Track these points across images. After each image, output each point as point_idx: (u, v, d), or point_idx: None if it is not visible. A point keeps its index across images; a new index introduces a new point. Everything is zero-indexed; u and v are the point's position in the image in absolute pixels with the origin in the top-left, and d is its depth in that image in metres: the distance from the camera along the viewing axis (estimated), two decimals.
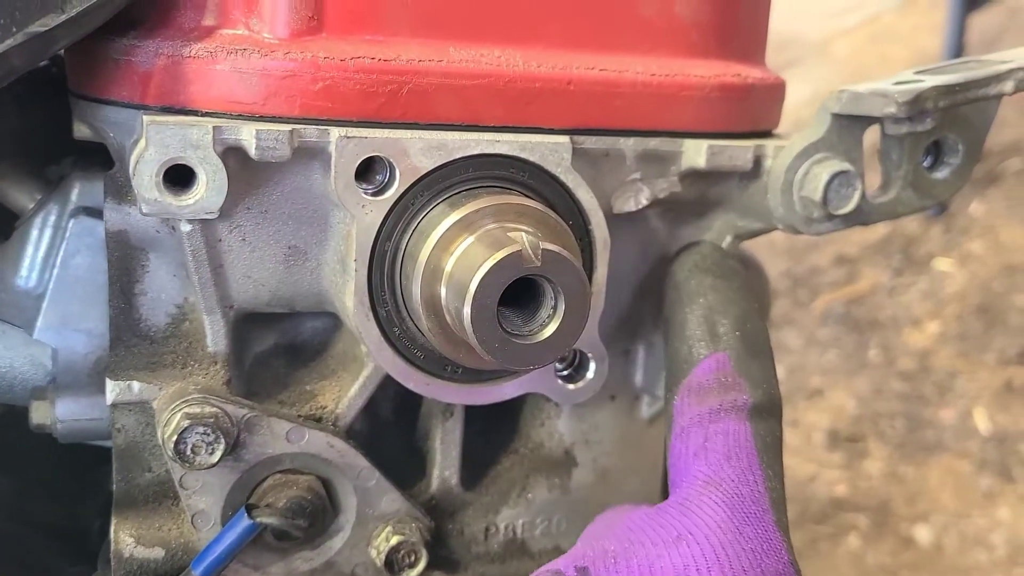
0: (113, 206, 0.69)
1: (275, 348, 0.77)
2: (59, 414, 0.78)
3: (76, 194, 0.80)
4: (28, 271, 0.80)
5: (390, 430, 0.80)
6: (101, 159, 0.74)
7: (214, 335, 0.70)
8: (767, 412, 0.64)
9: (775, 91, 0.77)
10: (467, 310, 0.59)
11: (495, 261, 0.58)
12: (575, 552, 0.60)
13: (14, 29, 0.58)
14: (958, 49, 3.94)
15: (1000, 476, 2.86)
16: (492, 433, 0.82)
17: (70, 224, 0.78)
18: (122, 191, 0.69)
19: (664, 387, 0.69)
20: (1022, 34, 4.83)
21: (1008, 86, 0.67)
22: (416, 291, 0.63)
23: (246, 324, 0.73)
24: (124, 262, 0.71)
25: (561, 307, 0.60)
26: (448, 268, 0.61)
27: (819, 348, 3.61)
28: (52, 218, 0.80)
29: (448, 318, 0.62)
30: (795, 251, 4.21)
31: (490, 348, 0.59)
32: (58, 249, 0.78)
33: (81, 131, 0.72)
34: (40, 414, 0.78)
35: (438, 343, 0.64)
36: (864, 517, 2.82)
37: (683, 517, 0.60)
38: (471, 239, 0.61)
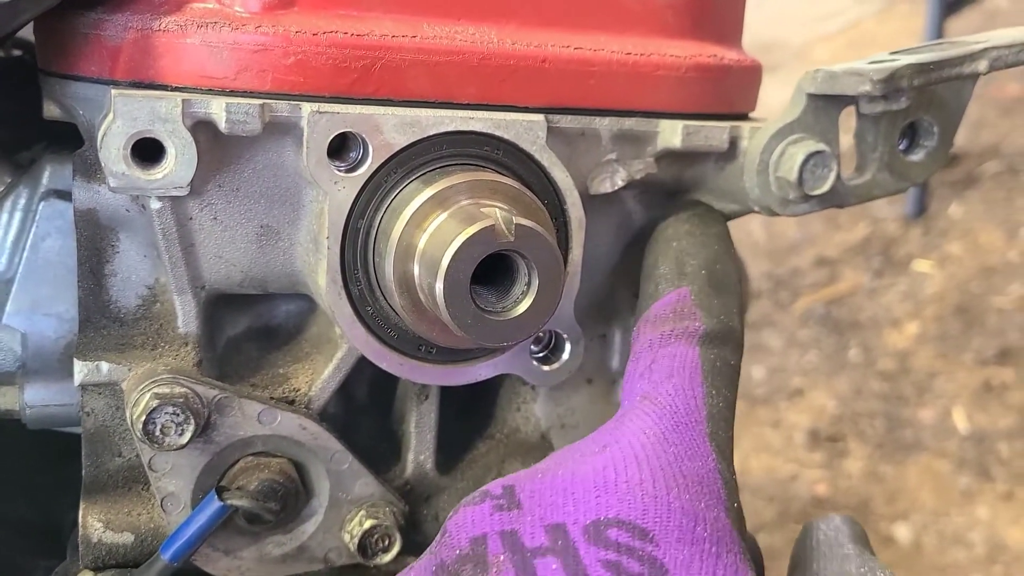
0: (82, 184, 0.68)
1: (248, 331, 0.76)
2: (28, 399, 0.76)
3: (47, 177, 0.78)
4: None
5: (365, 414, 0.79)
6: (73, 144, 0.73)
7: (185, 316, 0.69)
8: (720, 340, 0.64)
9: (751, 74, 0.76)
10: (439, 286, 0.58)
11: (468, 236, 0.58)
12: (511, 475, 0.60)
13: None
14: None
15: (978, 475, 2.88)
16: (468, 418, 0.82)
17: (40, 207, 0.77)
18: (91, 169, 0.68)
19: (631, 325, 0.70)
20: None
21: (982, 65, 0.67)
22: (389, 269, 0.62)
23: (218, 306, 0.72)
24: (94, 242, 0.70)
25: (535, 283, 0.60)
26: (421, 245, 0.61)
27: (800, 349, 3.62)
28: (22, 201, 0.78)
29: (421, 296, 0.61)
30: (776, 253, 4.22)
31: (463, 324, 0.59)
32: (28, 232, 0.77)
33: (51, 110, 0.70)
34: (8, 400, 0.77)
35: (411, 322, 0.64)
36: None
37: (615, 429, 0.60)
38: (444, 215, 0.61)
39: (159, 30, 0.61)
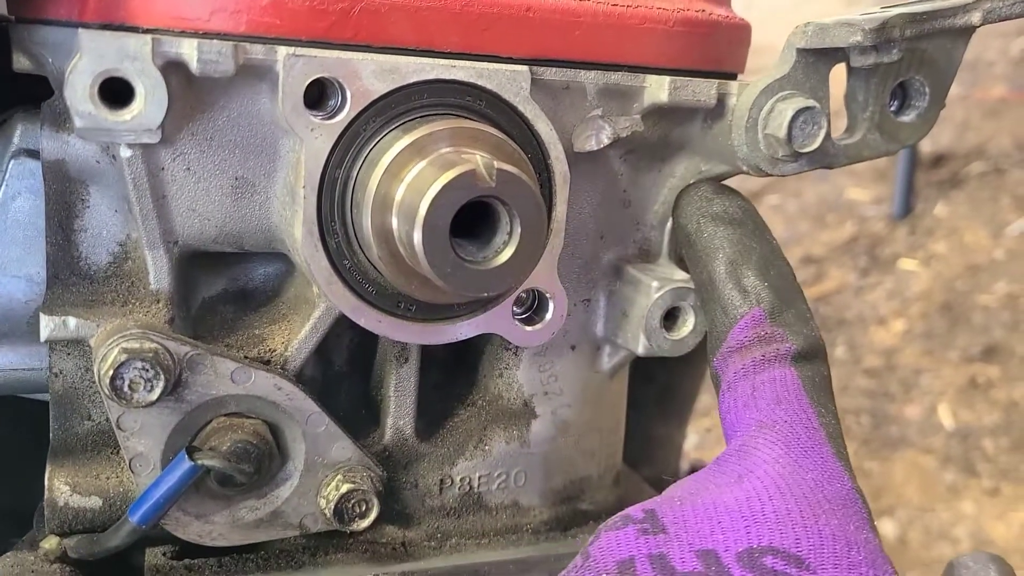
0: (51, 134, 0.66)
1: (224, 294, 0.74)
2: None
3: (18, 135, 0.76)
4: None
5: (344, 379, 0.77)
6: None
7: (157, 272, 0.67)
8: (810, 355, 0.64)
9: (740, 31, 0.75)
10: (418, 233, 0.56)
11: (447, 180, 0.56)
12: (642, 503, 0.59)
13: None
14: None
15: (964, 471, 2.88)
16: (449, 385, 0.80)
17: (10, 165, 0.74)
18: (60, 119, 0.66)
19: (707, 351, 0.69)
20: (986, 39, 4.90)
21: (975, 16, 0.66)
22: (367, 220, 0.60)
23: (193, 266, 0.70)
24: (63, 196, 0.67)
25: (517, 231, 0.58)
26: (399, 194, 0.59)
27: None
28: None
29: (400, 247, 0.59)
30: None
31: (442, 273, 0.57)
32: None
33: (20, 62, 0.68)
34: None
35: (390, 275, 0.62)
36: None
37: (742, 460, 0.59)
38: (423, 163, 0.59)
39: None
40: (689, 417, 1.52)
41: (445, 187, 0.56)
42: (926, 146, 4.35)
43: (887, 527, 2.73)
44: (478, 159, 0.57)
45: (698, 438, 3.18)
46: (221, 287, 0.74)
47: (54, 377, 0.69)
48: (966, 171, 4.26)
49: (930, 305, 3.60)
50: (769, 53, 0.71)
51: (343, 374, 0.77)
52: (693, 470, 1.68)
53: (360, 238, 0.63)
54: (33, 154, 0.74)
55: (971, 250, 3.82)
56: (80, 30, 0.57)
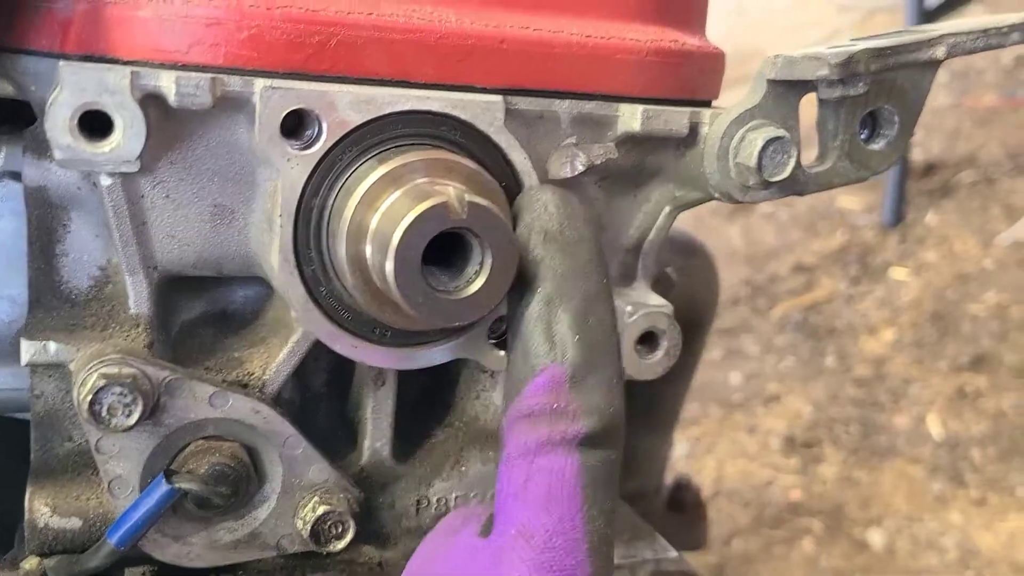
0: (33, 161, 0.67)
1: (204, 316, 0.75)
2: None
3: (2, 158, 0.77)
4: None
5: (321, 401, 0.78)
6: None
7: (136, 296, 0.68)
8: (601, 440, 0.58)
9: (713, 60, 0.76)
10: (389, 264, 0.57)
11: (418, 212, 0.57)
12: None
13: None
14: None
15: (952, 481, 2.89)
16: (427, 407, 0.81)
17: None
18: (43, 146, 0.66)
19: (503, 398, 0.63)
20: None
21: (940, 51, 0.67)
22: (342, 248, 0.62)
23: (172, 289, 0.71)
24: (44, 221, 0.68)
25: (488, 262, 0.59)
26: (373, 224, 0.60)
27: (777, 355, 3.63)
28: None
29: (374, 275, 0.60)
30: (754, 259, 4.24)
31: (414, 303, 0.58)
32: None
33: (3, 88, 0.69)
34: None
35: (364, 302, 0.63)
36: (818, 521, 2.83)
37: (493, 570, 0.56)
38: (397, 193, 0.60)
39: (110, 2, 0.61)
40: (672, 430, 1.53)
41: (417, 219, 0.57)
42: (917, 154, 4.37)
43: (875, 536, 2.75)
44: (451, 191, 0.58)
45: (689, 446, 3.20)
46: (200, 310, 0.75)
47: (35, 399, 0.70)
48: (956, 180, 4.28)
49: (920, 314, 3.62)
50: (757, 60, 0.72)
51: (321, 396, 0.79)
52: (679, 485, 1.69)
53: (335, 266, 0.64)
54: (15, 176, 0.75)
55: (961, 259, 3.84)
56: (61, 62, 0.58)
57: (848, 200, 4.40)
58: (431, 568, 0.60)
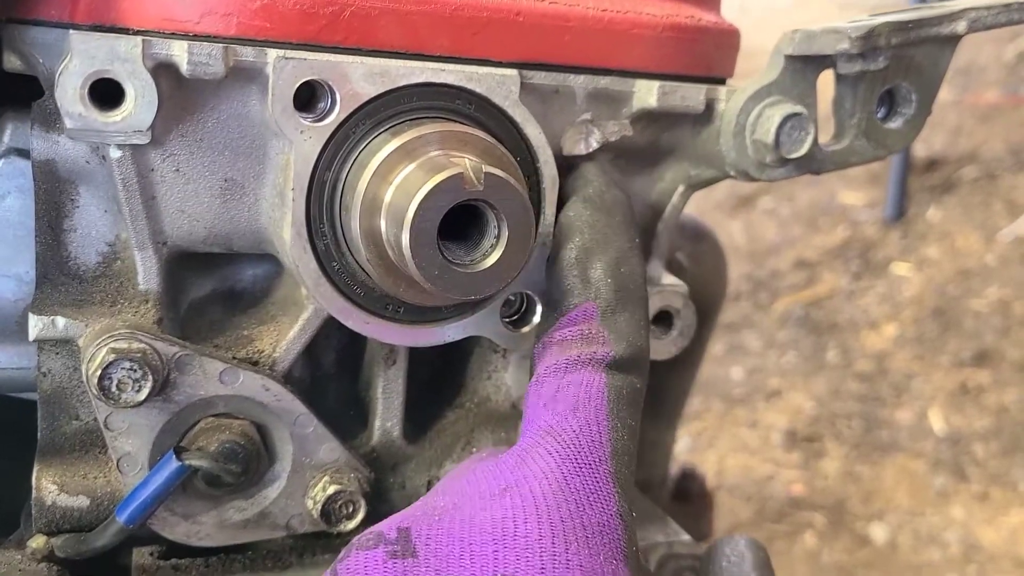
0: (41, 134, 0.66)
1: (213, 294, 0.74)
2: None
3: (8, 135, 0.76)
4: None
5: (332, 381, 0.78)
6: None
7: (146, 272, 0.67)
8: (628, 365, 0.62)
9: (729, 37, 0.75)
10: (406, 236, 0.56)
11: (435, 183, 0.56)
12: (405, 511, 0.58)
13: None
14: None
15: (954, 475, 2.88)
16: (438, 387, 0.80)
17: (0, 164, 0.74)
18: (51, 119, 0.66)
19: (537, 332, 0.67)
20: (980, 44, 4.93)
21: (961, 26, 0.66)
22: (355, 222, 0.61)
23: (182, 266, 0.70)
24: (52, 195, 0.68)
25: (504, 234, 0.58)
26: (387, 197, 0.59)
27: (778, 350, 3.63)
28: None
29: (388, 250, 0.59)
30: (756, 255, 4.23)
31: (430, 276, 0.57)
32: None
33: (11, 61, 0.68)
34: None
35: (378, 277, 0.62)
36: (820, 516, 2.83)
37: (516, 468, 0.58)
38: (412, 166, 0.59)
39: None
40: (678, 420, 1.52)
41: (433, 190, 0.56)
42: (919, 150, 4.37)
43: (877, 531, 2.74)
44: (466, 162, 0.57)
45: (691, 441, 3.19)
46: (210, 288, 0.74)
47: (42, 376, 0.69)
48: (958, 175, 4.28)
49: (922, 310, 3.61)
50: (763, 57, 0.72)
51: (331, 375, 0.78)
52: (684, 474, 1.69)
53: (349, 240, 0.63)
54: (23, 153, 0.74)
55: (963, 255, 3.84)
56: (71, 31, 0.57)
57: (850, 195, 4.40)
58: (456, 483, 0.60)
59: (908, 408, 3.19)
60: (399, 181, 0.59)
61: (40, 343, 0.67)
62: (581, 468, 0.57)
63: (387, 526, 0.56)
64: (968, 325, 3.46)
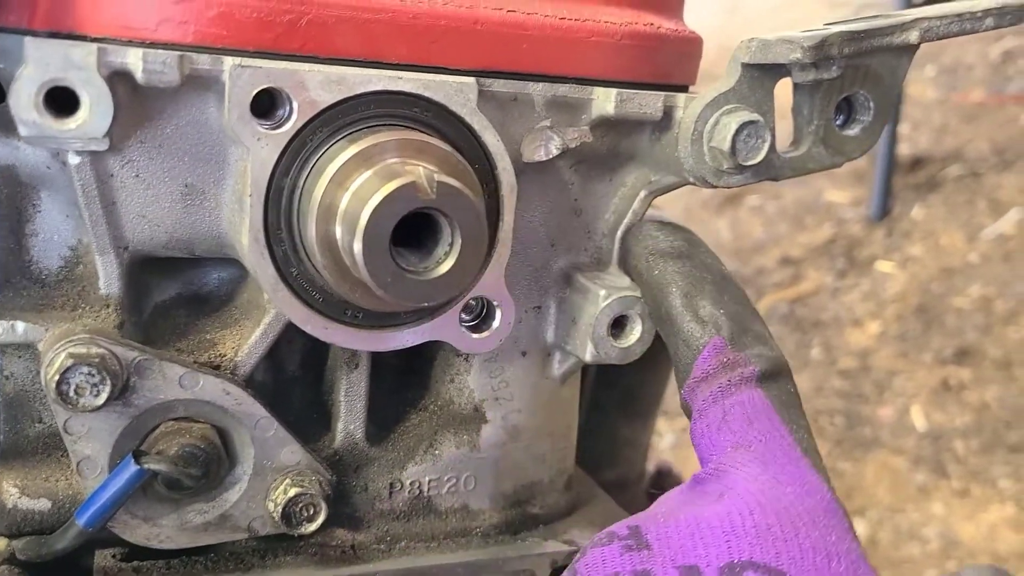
0: (1, 139, 0.66)
1: (178, 298, 0.75)
2: None
3: None
4: None
5: (295, 385, 0.78)
6: None
7: (107, 277, 0.68)
8: (775, 375, 0.66)
9: (689, 45, 0.76)
10: (358, 244, 0.57)
11: (387, 192, 0.57)
12: (627, 518, 0.61)
13: None
14: None
15: (934, 472, 2.91)
16: (401, 390, 0.81)
17: None
18: (11, 125, 0.66)
19: (677, 384, 0.71)
20: (965, 43, 4.94)
21: (913, 35, 0.67)
22: (311, 228, 0.61)
23: (145, 271, 0.71)
24: (14, 200, 0.68)
25: (458, 243, 0.59)
26: (342, 204, 0.59)
27: None
28: None
29: (344, 256, 0.60)
30: (742, 252, 4.25)
31: (382, 283, 0.58)
32: None
33: None
34: None
35: (335, 283, 0.62)
36: None
37: (720, 479, 0.61)
38: (368, 173, 0.60)
39: None
40: (654, 419, 1.53)
41: (386, 199, 0.57)
42: (904, 149, 4.38)
43: (858, 527, 2.76)
44: (420, 171, 0.58)
45: (674, 437, 3.21)
46: (174, 292, 0.75)
47: (4, 379, 0.70)
48: (943, 174, 4.30)
49: (905, 307, 3.63)
50: None
51: (295, 379, 0.78)
52: (660, 472, 1.70)
53: (306, 246, 0.64)
54: None
55: (946, 253, 3.86)
56: (26, 38, 0.58)
57: (835, 194, 4.41)
58: (667, 500, 0.63)
59: (890, 405, 3.21)
60: (354, 188, 0.59)
61: (1, 347, 0.67)
62: (784, 467, 0.59)
63: (617, 527, 0.60)
64: (951, 323, 3.48)
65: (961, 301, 3.57)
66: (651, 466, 1.74)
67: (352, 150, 0.61)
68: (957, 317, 3.49)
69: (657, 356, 1.08)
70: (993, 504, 2.76)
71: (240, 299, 0.75)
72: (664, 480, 1.68)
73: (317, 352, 0.77)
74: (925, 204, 4.15)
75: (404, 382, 0.80)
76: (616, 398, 1.34)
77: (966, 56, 5.12)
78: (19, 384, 0.70)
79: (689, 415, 0.67)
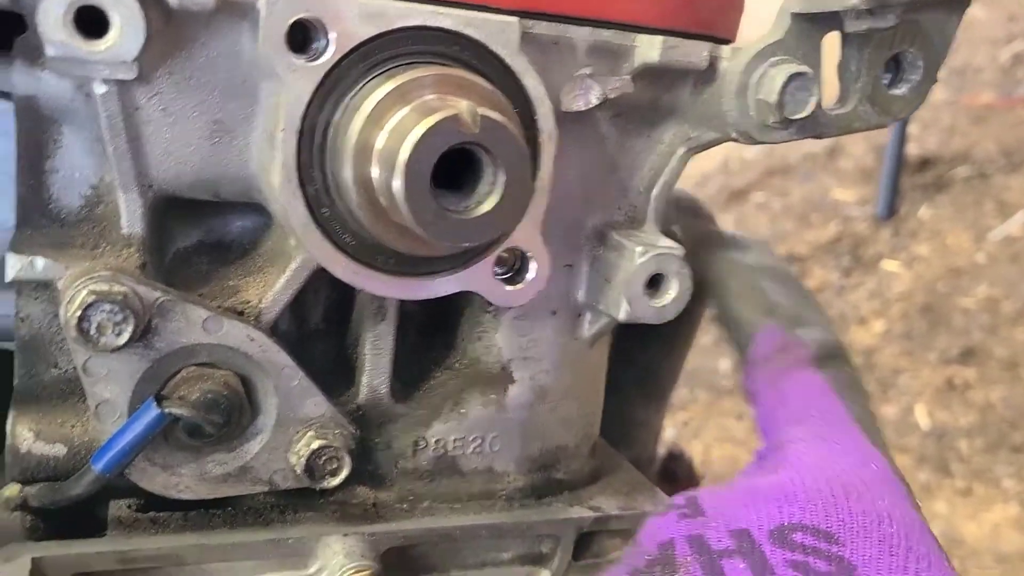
0: (24, 69, 0.64)
1: (199, 245, 0.72)
2: None
3: None
4: None
5: (319, 338, 0.76)
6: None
7: (129, 215, 0.65)
8: (831, 357, 0.68)
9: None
10: (398, 180, 0.55)
11: (429, 126, 0.54)
12: (685, 492, 0.64)
13: None
14: None
15: (938, 471, 2.89)
16: (427, 347, 0.78)
17: None
18: (35, 54, 0.63)
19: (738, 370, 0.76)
20: (976, 45, 4.93)
21: None
22: (347, 167, 0.59)
23: (168, 215, 0.69)
24: (34, 135, 0.65)
25: (501, 180, 0.57)
26: (380, 141, 0.57)
27: None
28: None
29: (380, 196, 0.58)
30: None
31: (423, 221, 0.55)
32: None
33: None
34: None
35: (370, 224, 0.60)
36: None
37: (778, 453, 0.62)
38: (406, 109, 0.57)
39: None
40: (668, 401, 1.51)
41: (427, 132, 0.54)
42: (912, 149, 4.37)
43: None
44: (462, 105, 0.55)
45: (675, 431, 3.19)
46: (196, 238, 0.72)
47: (20, 322, 0.68)
48: (951, 175, 4.29)
49: (911, 306, 3.62)
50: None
51: (319, 332, 0.76)
52: (671, 455, 1.68)
53: (339, 186, 0.61)
54: (5, 96, 0.72)
55: (953, 253, 3.84)
56: None
57: (842, 192, 4.40)
58: (734, 479, 0.65)
59: (895, 403, 3.20)
60: (392, 125, 0.57)
61: (19, 286, 0.65)
62: (840, 440, 0.61)
63: (676, 498, 0.63)
64: (957, 322, 3.47)
65: (967, 301, 3.56)
66: (662, 450, 1.72)
67: (389, 86, 0.59)
68: (963, 317, 3.48)
69: (676, 335, 1.06)
70: (996, 504, 2.75)
71: (264, 247, 0.72)
72: (676, 464, 1.66)
73: (343, 304, 0.75)
74: (932, 204, 4.13)
75: (430, 339, 0.78)
76: (633, 377, 1.32)
77: (975, 58, 5.11)
78: (35, 327, 0.68)
79: (750, 401, 0.70)
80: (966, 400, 3.12)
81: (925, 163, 4.40)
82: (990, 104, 4.76)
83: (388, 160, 0.56)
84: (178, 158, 0.64)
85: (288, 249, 0.69)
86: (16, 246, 0.65)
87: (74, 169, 0.67)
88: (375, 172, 0.57)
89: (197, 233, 0.72)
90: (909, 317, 3.55)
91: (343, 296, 0.74)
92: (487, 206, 0.57)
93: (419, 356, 0.78)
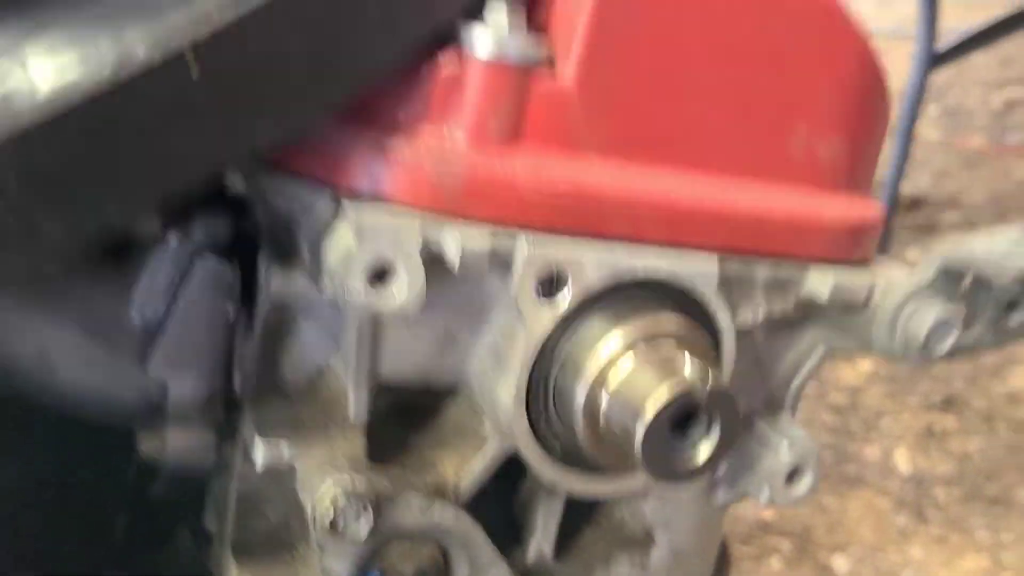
0: (279, 271, 0.71)
1: (390, 409, 0.80)
2: (169, 446, 0.79)
3: (200, 232, 0.81)
4: (145, 305, 0.81)
5: (488, 499, 0.84)
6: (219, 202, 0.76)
7: (357, 407, 0.73)
8: None
9: (879, 225, 0.83)
10: (639, 434, 0.63)
11: (664, 400, 0.63)
12: None
13: None
14: (918, 97, 4.10)
15: (915, 516, 3.05)
16: (575, 505, 0.87)
17: (193, 262, 0.79)
18: (286, 256, 0.71)
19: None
20: (968, 88, 5.07)
21: None
22: (579, 397, 0.68)
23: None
24: (276, 324, 0.73)
25: (716, 435, 0.66)
26: (615, 383, 0.66)
27: None
28: (174, 253, 0.81)
29: (610, 428, 0.66)
30: None
31: (652, 468, 0.64)
32: (178, 286, 0.79)
33: (236, 184, 0.73)
34: (149, 445, 0.80)
35: (588, 445, 0.69)
36: (787, 542, 2.97)
37: None
38: (636, 360, 0.66)
39: (383, 148, 0.65)
40: None
41: (663, 406, 0.63)
42: (906, 188, 4.51)
43: (839, 562, 2.89)
44: (693, 374, 0.64)
45: None
46: (388, 400, 0.80)
47: (239, 480, 0.75)
48: (940, 218, 4.44)
49: None
50: None
51: (487, 492, 0.84)
52: None
53: (559, 408, 0.70)
54: (210, 251, 0.79)
55: None
56: (354, 216, 0.63)
57: None
58: None
59: (876, 445, 3.35)
60: (627, 375, 0.66)
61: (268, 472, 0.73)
62: None
63: None
64: (939, 369, 3.62)
65: None
66: None
67: (619, 330, 0.68)
68: (945, 365, 3.64)
69: None
70: (969, 553, 2.91)
71: (449, 416, 0.80)
72: None
73: (511, 469, 0.84)
74: (922, 247, 4.28)
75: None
76: None
77: (968, 100, 5.26)
78: (250, 484, 0.76)
79: None
80: (944, 448, 3.29)
81: (916, 202, 4.55)
82: (981, 149, 4.92)
83: (623, 406, 0.65)
84: (407, 359, 0.72)
85: (478, 429, 0.77)
86: (260, 427, 0.72)
87: (306, 352, 0.74)
88: (612, 413, 0.66)
89: (389, 396, 0.80)
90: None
91: (512, 462, 0.83)
92: (702, 455, 0.66)
93: (568, 513, 0.87)
